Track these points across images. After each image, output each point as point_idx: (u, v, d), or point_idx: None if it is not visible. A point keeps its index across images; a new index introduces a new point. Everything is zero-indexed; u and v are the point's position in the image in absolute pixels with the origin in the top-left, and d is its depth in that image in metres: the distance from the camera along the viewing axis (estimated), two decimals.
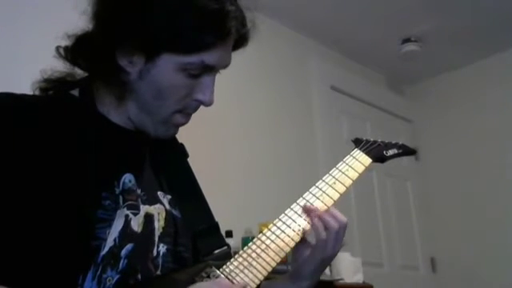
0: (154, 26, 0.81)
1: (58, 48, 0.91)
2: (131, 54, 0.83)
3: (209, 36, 0.83)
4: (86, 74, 0.92)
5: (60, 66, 0.91)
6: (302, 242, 0.92)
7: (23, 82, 0.95)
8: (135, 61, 0.84)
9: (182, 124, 0.92)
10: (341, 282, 2.43)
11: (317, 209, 0.93)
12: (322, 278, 2.27)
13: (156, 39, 0.82)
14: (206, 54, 0.83)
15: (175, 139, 1.01)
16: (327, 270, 2.43)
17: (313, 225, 0.91)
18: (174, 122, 0.90)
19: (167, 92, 0.85)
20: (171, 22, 0.81)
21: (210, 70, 0.87)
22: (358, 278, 2.57)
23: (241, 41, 0.91)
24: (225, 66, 0.90)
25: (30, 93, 0.91)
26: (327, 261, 0.93)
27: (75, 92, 0.91)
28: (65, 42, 0.91)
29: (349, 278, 2.50)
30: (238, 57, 0.93)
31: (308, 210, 0.93)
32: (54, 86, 0.92)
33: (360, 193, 3.19)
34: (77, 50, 0.89)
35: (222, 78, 0.93)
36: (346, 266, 2.54)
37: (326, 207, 0.94)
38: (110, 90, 0.88)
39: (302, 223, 0.92)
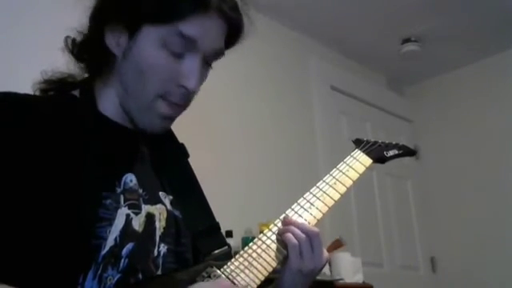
0: None
1: (66, 39, 0.92)
2: (118, 34, 0.85)
3: (185, 3, 0.83)
4: (87, 75, 0.93)
5: (61, 67, 0.92)
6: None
7: (25, 83, 0.95)
8: (121, 42, 0.86)
9: (169, 116, 0.89)
10: (341, 282, 2.43)
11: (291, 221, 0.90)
12: (322, 278, 2.28)
13: (134, 9, 0.83)
14: (183, 23, 0.83)
15: (175, 139, 1.01)
16: (327, 270, 2.43)
17: (280, 232, 0.89)
18: (157, 109, 0.87)
19: (148, 72, 0.84)
20: None
21: (192, 47, 0.85)
22: (358, 278, 2.57)
23: (233, 29, 0.90)
24: (211, 49, 0.88)
25: (31, 93, 0.92)
26: (307, 274, 0.89)
27: (76, 92, 0.92)
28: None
29: (349, 278, 2.50)
30: (237, 56, 0.93)
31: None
32: (54, 87, 0.93)
33: (360, 193, 3.20)
34: (83, 44, 0.91)
35: (222, 78, 0.93)
36: (346, 266, 2.54)
37: (326, 207, 0.95)
38: (101, 75, 0.90)
39: None
